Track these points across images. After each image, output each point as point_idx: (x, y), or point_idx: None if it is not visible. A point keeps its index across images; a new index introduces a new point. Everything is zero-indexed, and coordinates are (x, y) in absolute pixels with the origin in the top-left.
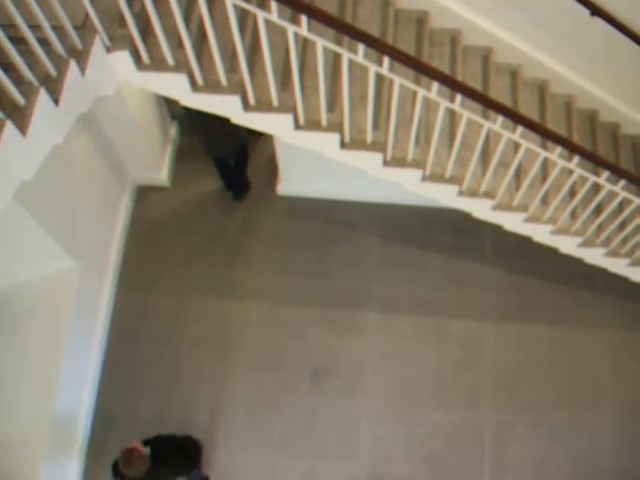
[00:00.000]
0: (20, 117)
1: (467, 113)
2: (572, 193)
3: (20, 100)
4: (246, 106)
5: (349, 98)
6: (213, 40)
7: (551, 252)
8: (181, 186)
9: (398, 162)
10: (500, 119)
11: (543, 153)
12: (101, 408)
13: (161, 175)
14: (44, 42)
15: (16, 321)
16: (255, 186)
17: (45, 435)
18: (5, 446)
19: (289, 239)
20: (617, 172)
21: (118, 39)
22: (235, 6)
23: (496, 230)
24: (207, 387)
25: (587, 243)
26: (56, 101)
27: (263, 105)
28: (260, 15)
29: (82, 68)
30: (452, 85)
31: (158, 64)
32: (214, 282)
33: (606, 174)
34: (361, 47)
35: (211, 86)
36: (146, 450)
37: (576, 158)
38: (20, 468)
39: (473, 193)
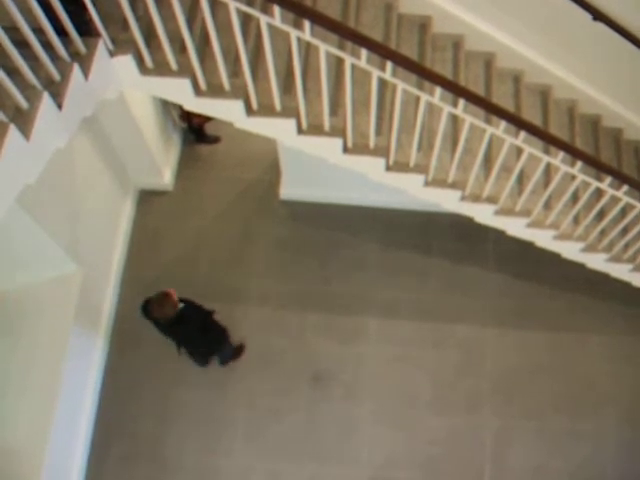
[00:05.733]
0: (23, 121)
1: (470, 118)
2: (575, 198)
3: (23, 104)
4: (249, 111)
5: (352, 103)
6: (216, 44)
7: (553, 257)
8: (183, 190)
9: (401, 167)
10: (503, 124)
11: (546, 158)
12: (102, 411)
13: (164, 179)
14: (48, 46)
15: (19, 325)
16: (257, 190)
17: (47, 440)
18: (7, 451)
19: (291, 244)
20: (620, 177)
21: (121, 43)
22: (238, 10)
23: (498, 235)
24: (207, 392)
25: (589, 248)
26: (59, 105)
27: (266, 110)
28: (263, 19)
29: (85, 72)
30: (455, 90)
31: (161, 68)
32: (216, 286)
33: (609, 179)
34: (364, 52)
35: (214, 90)
36: (179, 303)
37: (579, 163)
38: (22, 473)
39: (475, 198)
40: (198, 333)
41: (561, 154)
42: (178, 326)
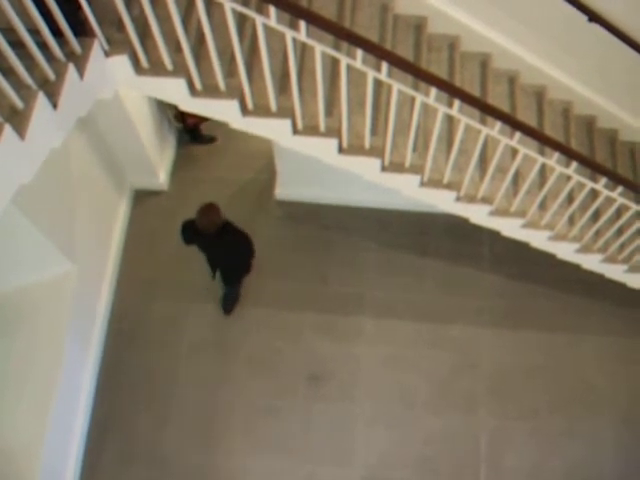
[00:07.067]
0: (18, 121)
1: (465, 119)
2: (570, 199)
3: (19, 104)
4: (244, 111)
5: (347, 103)
6: (211, 44)
7: (548, 258)
8: (179, 190)
9: (396, 168)
10: (498, 125)
11: (541, 159)
12: (99, 411)
13: (159, 179)
14: (43, 46)
15: (15, 325)
16: (253, 190)
17: (43, 440)
18: (3, 451)
19: (286, 244)
20: (614, 178)
21: (117, 43)
22: (234, 11)
23: (493, 236)
24: (204, 392)
25: (585, 249)
26: (55, 105)
27: (261, 110)
28: (259, 20)
29: (81, 72)
30: (450, 91)
31: (156, 68)
32: (211, 286)
33: (604, 180)
34: (359, 52)
35: (209, 91)
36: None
37: (574, 164)
38: (18, 472)
39: (471, 199)
40: (244, 237)
41: (556, 155)
42: (226, 234)
